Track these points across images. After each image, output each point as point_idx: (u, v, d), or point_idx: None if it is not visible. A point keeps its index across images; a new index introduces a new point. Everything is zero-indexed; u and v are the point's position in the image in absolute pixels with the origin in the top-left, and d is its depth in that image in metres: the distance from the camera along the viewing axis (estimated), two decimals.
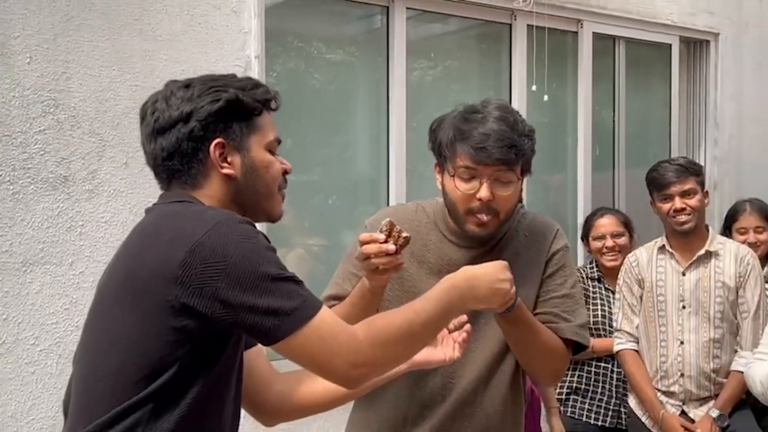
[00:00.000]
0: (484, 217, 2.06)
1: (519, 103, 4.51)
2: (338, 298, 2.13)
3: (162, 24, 3.33)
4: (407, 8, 4.12)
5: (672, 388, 3.49)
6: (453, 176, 2.07)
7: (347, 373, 1.60)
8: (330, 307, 1.98)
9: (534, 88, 4.48)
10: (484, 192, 2.03)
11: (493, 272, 1.84)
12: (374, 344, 1.60)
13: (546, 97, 4.51)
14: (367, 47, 4.25)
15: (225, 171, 1.68)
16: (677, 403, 3.49)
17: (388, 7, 4.08)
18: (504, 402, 2.22)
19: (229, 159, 1.68)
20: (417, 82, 4.36)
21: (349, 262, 2.20)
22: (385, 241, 1.90)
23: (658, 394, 3.50)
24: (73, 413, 1.63)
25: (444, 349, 2.01)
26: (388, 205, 3.92)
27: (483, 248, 2.17)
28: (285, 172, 1.78)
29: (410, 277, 2.16)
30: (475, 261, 2.02)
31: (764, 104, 5.63)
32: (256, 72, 3.56)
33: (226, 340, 1.60)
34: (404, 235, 1.92)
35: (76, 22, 3.15)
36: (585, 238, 4.10)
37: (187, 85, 1.70)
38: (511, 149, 2.03)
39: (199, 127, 1.66)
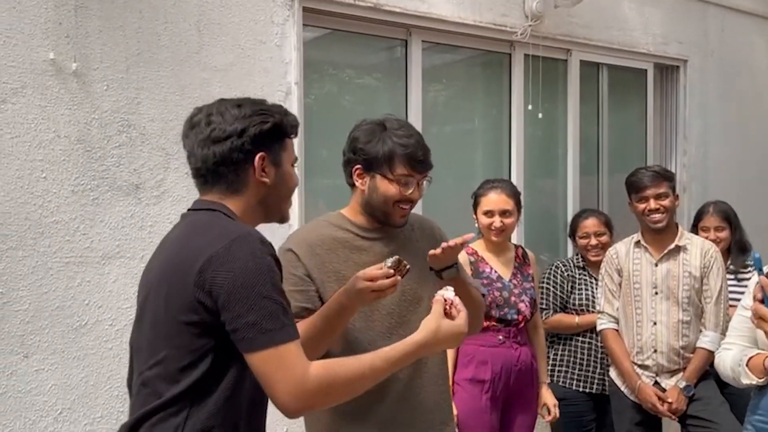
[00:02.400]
0: (407, 208, 2.18)
1: (517, 119, 4.46)
2: (309, 310, 2.07)
3: (217, 57, 3.32)
4: (422, 41, 4.10)
5: (646, 362, 3.43)
6: (392, 181, 2.13)
7: (288, 403, 1.52)
8: (303, 317, 1.99)
9: (530, 107, 4.43)
10: (417, 193, 2.16)
11: (453, 326, 1.76)
12: (320, 387, 1.53)
13: (540, 115, 4.46)
14: (389, 73, 4.21)
15: (263, 179, 1.70)
16: (651, 374, 3.43)
17: (406, 40, 4.05)
18: (441, 369, 2.29)
19: (266, 170, 1.70)
20: (431, 102, 4.32)
21: (287, 282, 1.89)
22: (394, 275, 1.93)
23: (635, 366, 3.45)
24: (135, 395, 1.65)
25: None
26: None
27: (389, 238, 2.22)
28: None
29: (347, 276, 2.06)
30: (388, 247, 2.17)
31: (726, 119, 5.54)
32: (296, 96, 3.53)
33: None
34: (408, 267, 1.96)
35: (145, 56, 3.14)
36: (572, 235, 4.04)
37: (239, 105, 1.71)
38: (430, 158, 2.19)
39: (249, 142, 1.67)
